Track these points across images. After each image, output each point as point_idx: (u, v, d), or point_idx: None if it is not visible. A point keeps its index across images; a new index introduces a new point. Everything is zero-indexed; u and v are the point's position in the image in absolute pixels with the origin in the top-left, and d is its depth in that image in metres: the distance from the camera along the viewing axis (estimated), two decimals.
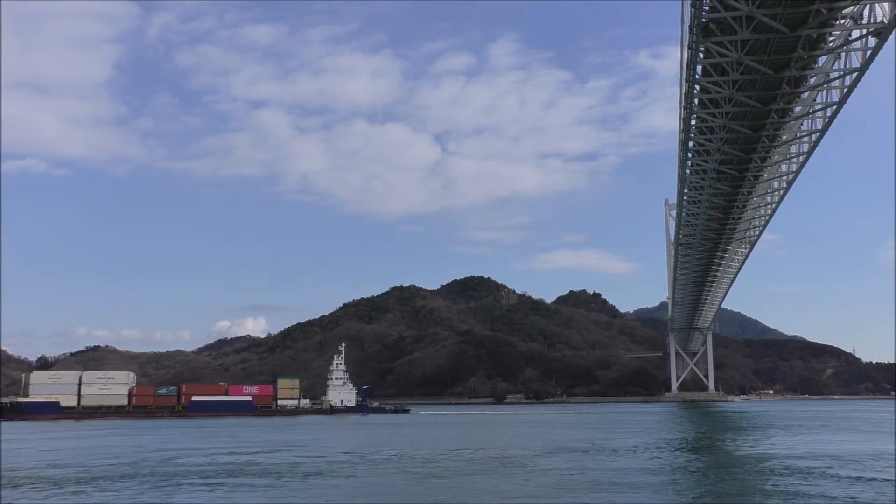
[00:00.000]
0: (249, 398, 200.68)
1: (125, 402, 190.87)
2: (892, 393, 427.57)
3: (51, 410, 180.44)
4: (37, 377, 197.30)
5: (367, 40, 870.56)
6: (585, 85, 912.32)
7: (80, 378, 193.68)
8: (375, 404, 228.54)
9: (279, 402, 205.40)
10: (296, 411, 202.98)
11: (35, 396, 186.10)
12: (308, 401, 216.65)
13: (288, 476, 55.00)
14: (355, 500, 44.00)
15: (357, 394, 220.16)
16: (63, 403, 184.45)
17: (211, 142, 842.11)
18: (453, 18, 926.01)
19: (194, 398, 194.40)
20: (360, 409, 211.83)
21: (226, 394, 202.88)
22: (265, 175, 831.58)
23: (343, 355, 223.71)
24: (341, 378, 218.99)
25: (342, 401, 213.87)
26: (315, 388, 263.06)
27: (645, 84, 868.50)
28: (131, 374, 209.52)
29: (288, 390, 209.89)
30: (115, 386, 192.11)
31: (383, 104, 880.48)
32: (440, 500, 43.47)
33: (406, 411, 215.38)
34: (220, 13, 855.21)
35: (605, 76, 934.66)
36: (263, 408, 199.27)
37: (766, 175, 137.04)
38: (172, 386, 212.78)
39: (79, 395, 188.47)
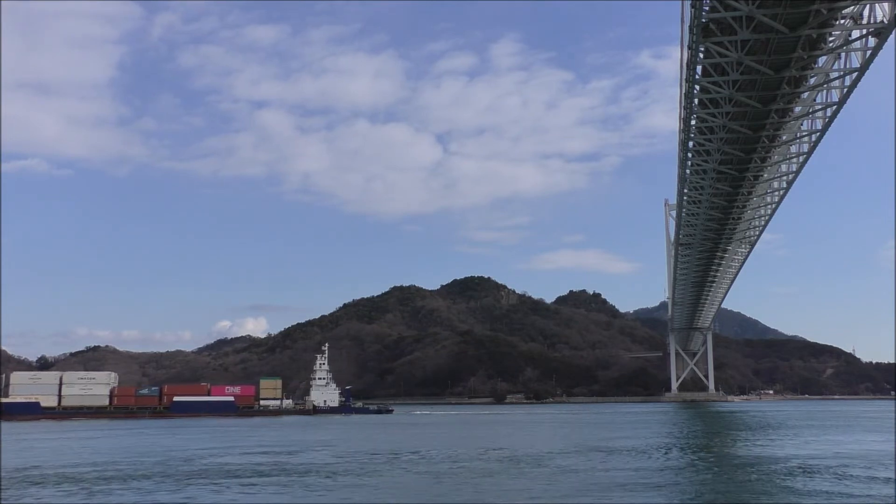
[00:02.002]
0: (231, 398, 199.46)
1: (106, 402, 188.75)
2: (892, 393, 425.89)
3: (30, 411, 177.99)
4: (17, 377, 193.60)
5: (369, 41, 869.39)
6: (587, 85, 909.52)
7: (61, 378, 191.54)
8: (359, 404, 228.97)
9: (262, 402, 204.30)
10: (278, 411, 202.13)
11: (15, 397, 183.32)
12: (290, 401, 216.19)
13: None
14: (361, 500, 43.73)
15: (340, 394, 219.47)
16: (43, 404, 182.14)
17: (213, 142, 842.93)
18: (455, 19, 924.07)
19: (176, 399, 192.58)
20: (343, 409, 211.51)
21: (208, 394, 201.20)
22: (266, 175, 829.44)
23: (326, 356, 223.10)
24: (324, 378, 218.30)
25: (325, 401, 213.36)
26: None
27: (646, 84, 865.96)
28: (113, 375, 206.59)
29: (270, 391, 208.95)
30: (96, 386, 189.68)
31: (385, 104, 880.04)
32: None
33: (389, 411, 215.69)
34: (223, 13, 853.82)
35: (607, 76, 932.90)
36: (245, 408, 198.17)
37: (766, 175, 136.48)
38: (154, 386, 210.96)
39: (59, 396, 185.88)
